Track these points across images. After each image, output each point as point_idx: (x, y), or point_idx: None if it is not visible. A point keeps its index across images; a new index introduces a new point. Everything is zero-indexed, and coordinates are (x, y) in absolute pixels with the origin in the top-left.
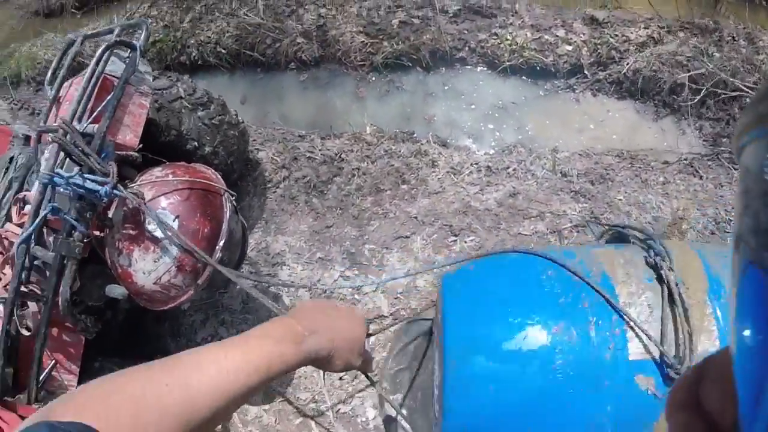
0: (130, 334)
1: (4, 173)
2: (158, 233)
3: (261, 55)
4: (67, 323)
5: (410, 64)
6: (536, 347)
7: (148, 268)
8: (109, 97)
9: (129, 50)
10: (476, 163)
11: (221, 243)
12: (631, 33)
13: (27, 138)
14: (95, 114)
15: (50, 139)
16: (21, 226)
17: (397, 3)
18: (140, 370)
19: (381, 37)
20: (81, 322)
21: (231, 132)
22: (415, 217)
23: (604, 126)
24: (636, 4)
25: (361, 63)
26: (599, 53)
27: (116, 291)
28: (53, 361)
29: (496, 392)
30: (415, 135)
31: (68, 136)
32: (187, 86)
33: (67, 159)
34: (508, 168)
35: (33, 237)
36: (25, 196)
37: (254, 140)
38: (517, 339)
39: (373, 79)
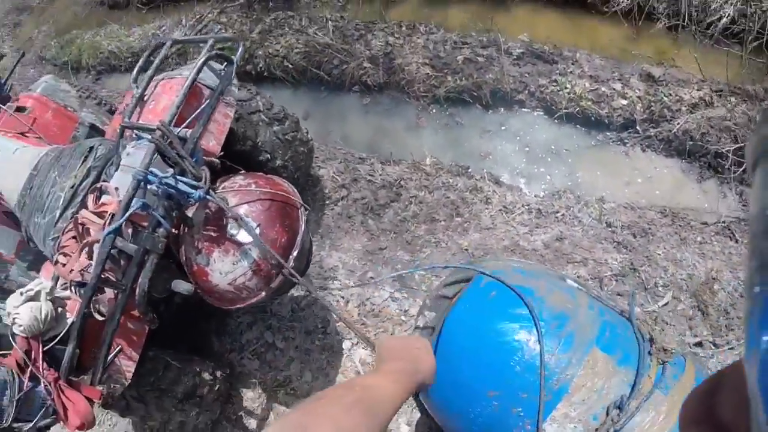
0: (178, 328)
1: (83, 161)
2: (240, 238)
3: (327, 74)
4: (134, 312)
5: (471, 101)
6: (478, 393)
7: (225, 269)
8: (203, 106)
9: (225, 63)
10: (527, 205)
11: (295, 253)
12: (685, 93)
13: (92, 126)
14: (189, 120)
15: (148, 140)
16: (98, 215)
17: (464, 40)
18: (340, 404)
19: (445, 71)
20: (149, 313)
21: (301, 149)
22: (466, 249)
23: (650, 181)
24: (690, 64)
25: (424, 94)
26: (652, 110)
27: (182, 286)
28: (119, 347)
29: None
30: (470, 170)
31: (165, 138)
32: (266, 101)
33: (157, 158)
34: (557, 212)
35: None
36: (102, 186)
37: (316, 157)
38: (474, 377)
39: (434, 110)
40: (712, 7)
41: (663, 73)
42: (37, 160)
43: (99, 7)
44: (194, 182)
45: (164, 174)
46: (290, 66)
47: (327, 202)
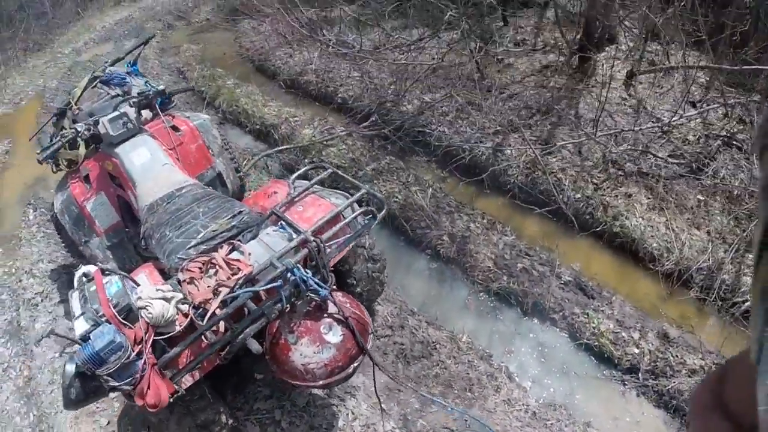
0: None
1: (231, 217)
2: (328, 337)
3: (411, 230)
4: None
5: (514, 304)
6: None
7: (306, 353)
8: (345, 239)
9: (370, 216)
10: (527, 405)
11: (356, 364)
12: (689, 359)
13: (219, 174)
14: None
15: (303, 244)
16: (227, 264)
17: (528, 251)
18: None
19: (504, 271)
20: (231, 353)
21: (378, 287)
22: (465, 420)
23: (635, 423)
24: (705, 333)
25: (480, 282)
26: (657, 365)
27: (254, 346)
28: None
29: None
30: (492, 358)
31: (316, 248)
32: (372, 242)
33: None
34: (548, 420)
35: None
36: (237, 244)
37: None
38: None
39: (483, 298)
40: (741, 290)
41: (678, 335)
42: (182, 185)
43: (248, 63)
44: (322, 283)
45: (305, 272)
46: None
47: (371, 336)
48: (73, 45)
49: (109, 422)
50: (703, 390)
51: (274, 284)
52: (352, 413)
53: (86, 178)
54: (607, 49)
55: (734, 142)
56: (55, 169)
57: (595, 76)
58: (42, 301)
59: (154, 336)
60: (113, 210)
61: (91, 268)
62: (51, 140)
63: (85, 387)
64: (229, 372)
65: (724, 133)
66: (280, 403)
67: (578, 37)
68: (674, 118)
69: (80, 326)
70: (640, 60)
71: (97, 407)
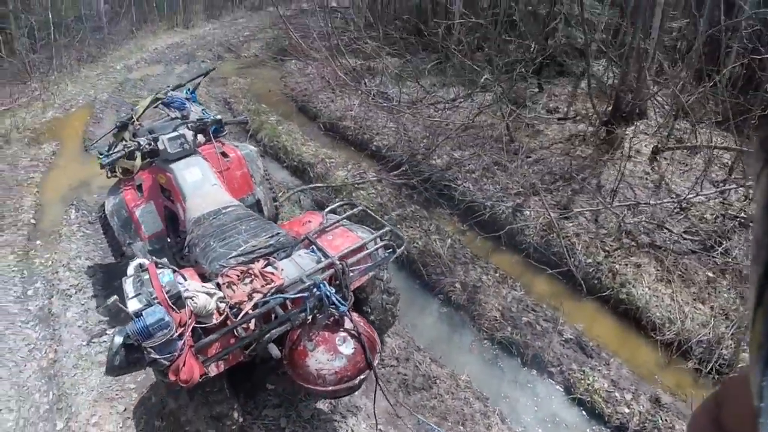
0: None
1: (270, 236)
2: (342, 348)
3: (426, 275)
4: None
5: (515, 354)
6: None
7: (321, 360)
8: (366, 267)
9: (390, 250)
10: None
11: (363, 376)
12: (679, 424)
13: (258, 201)
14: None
15: (330, 266)
16: (262, 275)
17: (534, 306)
18: None
19: (509, 322)
20: (255, 351)
21: (389, 318)
22: None
23: None
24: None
25: (485, 330)
26: (645, 427)
27: (274, 351)
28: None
29: None
30: (488, 400)
31: (342, 271)
32: (389, 276)
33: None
34: None
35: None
36: (272, 260)
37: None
38: None
39: (486, 345)
40: (739, 365)
41: (671, 402)
42: (228, 204)
43: (291, 102)
44: (342, 300)
45: (330, 289)
46: (405, 252)
47: (378, 362)
48: (125, 62)
49: (125, 409)
50: (702, 413)
51: (302, 295)
52: (352, 430)
53: (139, 187)
54: (636, 123)
55: (751, 224)
56: (109, 175)
57: (621, 148)
58: (76, 293)
59: (195, 323)
60: (159, 219)
61: (146, 261)
62: (108, 149)
63: (129, 357)
64: (244, 379)
65: (742, 215)
66: (286, 413)
67: (608, 109)
68: (690, 195)
69: (134, 304)
70: (668, 137)
71: (116, 394)
